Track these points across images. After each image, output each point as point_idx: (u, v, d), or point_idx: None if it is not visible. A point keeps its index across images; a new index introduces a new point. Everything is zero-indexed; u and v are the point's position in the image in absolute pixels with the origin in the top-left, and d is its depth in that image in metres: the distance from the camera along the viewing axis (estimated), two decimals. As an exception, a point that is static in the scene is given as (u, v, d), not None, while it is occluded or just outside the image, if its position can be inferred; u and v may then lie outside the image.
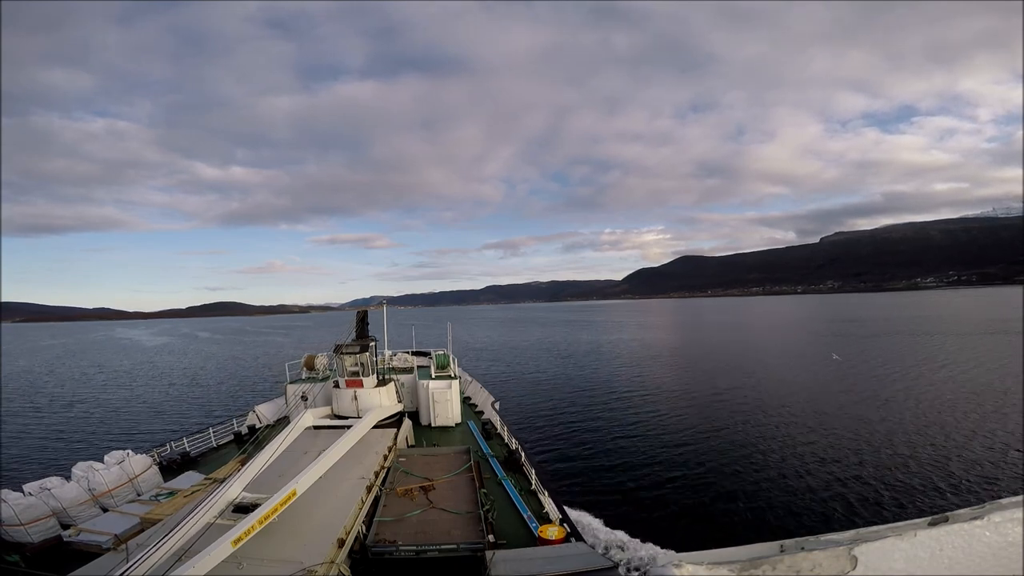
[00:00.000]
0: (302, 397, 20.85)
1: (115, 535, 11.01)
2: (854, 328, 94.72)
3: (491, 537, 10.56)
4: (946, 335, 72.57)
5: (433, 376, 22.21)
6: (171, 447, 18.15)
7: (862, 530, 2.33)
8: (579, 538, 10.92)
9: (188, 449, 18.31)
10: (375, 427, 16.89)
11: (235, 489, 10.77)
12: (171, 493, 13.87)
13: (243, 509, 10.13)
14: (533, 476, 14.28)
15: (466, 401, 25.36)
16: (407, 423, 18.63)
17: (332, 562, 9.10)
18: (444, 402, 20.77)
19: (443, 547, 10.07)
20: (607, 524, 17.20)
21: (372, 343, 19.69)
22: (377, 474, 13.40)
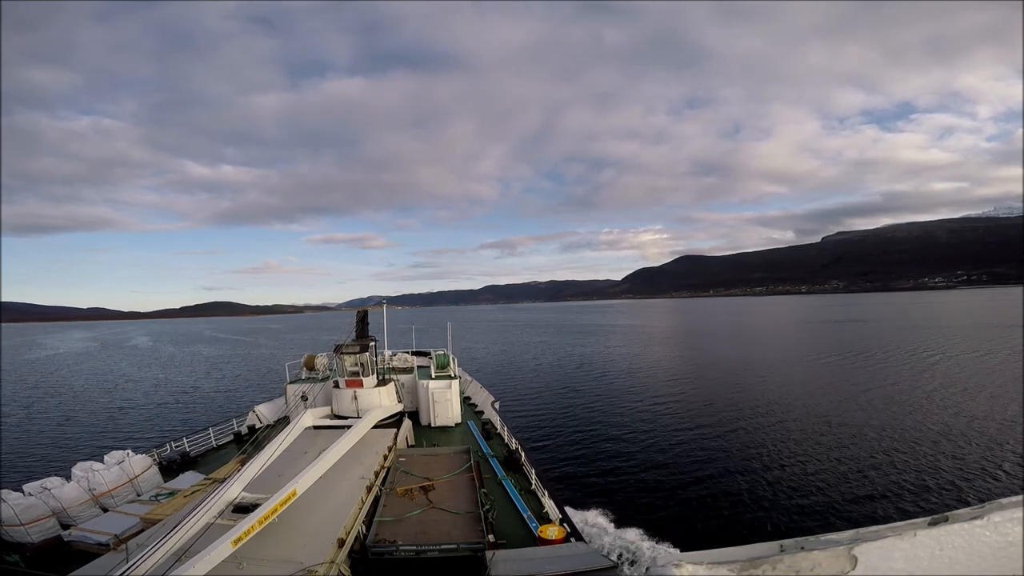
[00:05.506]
0: (302, 397, 20.85)
1: (115, 535, 11.00)
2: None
3: (491, 537, 10.56)
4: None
5: (433, 376, 22.18)
6: (171, 447, 18.17)
7: (862, 530, 2.31)
8: (579, 538, 10.92)
9: (188, 449, 18.33)
10: (375, 427, 16.89)
11: (235, 489, 10.77)
12: (171, 493, 13.88)
13: (243, 509, 10.13)
14: (533, 476, 14.28)
15: (466, 401, 25.34)
16: (407, 423, 18.63)
17: (332, 562, 9.09)
18: (444, 402, 20.77)
19: (443, 547, 10.06)
20: (607, 524, 17.21)
21: (372, 343, 19.72)
22: (377, 474, 13.39)
